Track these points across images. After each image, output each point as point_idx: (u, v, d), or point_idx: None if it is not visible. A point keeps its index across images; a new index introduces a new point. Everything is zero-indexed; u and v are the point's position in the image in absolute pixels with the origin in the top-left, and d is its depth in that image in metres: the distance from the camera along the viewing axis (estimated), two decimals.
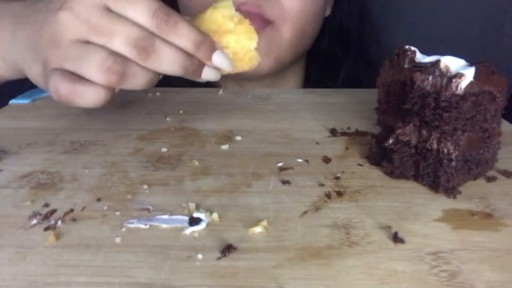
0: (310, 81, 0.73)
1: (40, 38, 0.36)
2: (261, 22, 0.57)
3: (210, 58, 0.38)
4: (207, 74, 0.39)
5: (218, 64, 0.39)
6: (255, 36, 0.47)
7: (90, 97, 0.35)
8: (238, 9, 0.50)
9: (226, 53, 0.41)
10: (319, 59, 0.73)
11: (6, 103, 0.52)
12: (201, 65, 0.38)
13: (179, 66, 0.36)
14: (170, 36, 0.36)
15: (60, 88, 0.35)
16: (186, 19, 0.37)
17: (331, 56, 0.73)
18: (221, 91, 0.56)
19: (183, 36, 0.36)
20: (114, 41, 0.34)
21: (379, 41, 0.72)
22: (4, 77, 0.43)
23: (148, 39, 0.35)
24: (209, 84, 0.65)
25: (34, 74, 0.38)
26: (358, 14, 0.71)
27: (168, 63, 0.36)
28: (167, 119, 0.47)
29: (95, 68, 0.34)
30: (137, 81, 0.36)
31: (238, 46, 0.46)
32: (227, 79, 0.62)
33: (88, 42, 0.35)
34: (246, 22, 0.49)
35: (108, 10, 0.35)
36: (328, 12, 0.69)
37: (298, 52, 0.64)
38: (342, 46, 0.72)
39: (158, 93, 0.55)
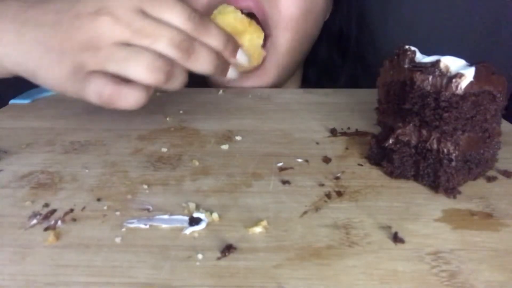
0: (309, 85, 0.72)
1: (69, 40, 0.37)
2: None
3: (235, 56, 0.42)
4: (231, 73, 0.43)
5: (240, 60, 0.42)
6: (262, 35, 0.53)
7: (132, 98, 0.36)
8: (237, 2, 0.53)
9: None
10: (317, 64, 0.73)
11: (6, 103, 0.52)
12: (227, 63, 0.41)
13: (212, 65, 0.39)
14: (203, 37, 0.38)
15: (105, 89, 0.35)
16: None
17: (329, 62, 0.72)
18: (221, 91, 0.56)
19: (214, 36, 0.39)
20: (159, 43, 0.36)
21: (377, 47, 0.72)
22: None
23: (188, 40, 0.37)
24: (208, 85, 0.66)
25: (55, 75, 0.38)
26: (357, 19, 0.70)
27: (204, 62, 0.38)
28: (167, 119, 0.47)
29: (144, 68, 0.35)
30: (178, 81, 0.38)
31: (250, 45, 0.51)
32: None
33: (129, 45, 0.36)
34: (254, 22, 0.52)
35: (145, 13, 0.36)
36: (327, 16, 0.68)
37: (297, 61, 0.63)
38: (340, 52, 0.72)
39: (158, 93, 0.55)
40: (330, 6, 0.68)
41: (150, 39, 0.36)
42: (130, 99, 0.36)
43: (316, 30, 0.63)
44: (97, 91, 0.36)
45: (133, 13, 0.36)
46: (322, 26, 0.68)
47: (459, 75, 0.32)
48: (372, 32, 0.72)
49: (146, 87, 0.37)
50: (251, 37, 0.51)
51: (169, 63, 0.36)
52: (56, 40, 0.37)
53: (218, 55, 0.39)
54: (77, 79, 0.37)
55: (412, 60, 0.35)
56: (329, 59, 0.72)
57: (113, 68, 0.36)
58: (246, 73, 0.58)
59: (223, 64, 0.41)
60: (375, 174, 0.36)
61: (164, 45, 0.36)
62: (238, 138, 0.42)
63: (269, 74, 0.59)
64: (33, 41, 0.38)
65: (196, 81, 0.61)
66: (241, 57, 0.42)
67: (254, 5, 0.55)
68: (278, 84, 0.62)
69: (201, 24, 0.38)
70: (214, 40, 0.39)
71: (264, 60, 0.57)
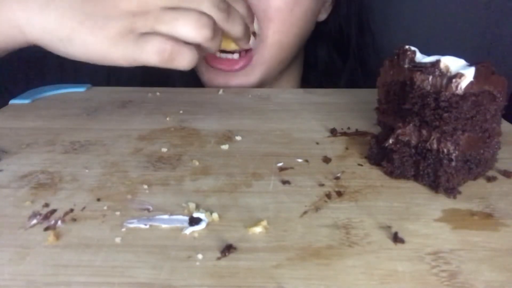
0: (309, 87, 0.72)
1: (115, 7, 0.39)
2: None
3: (253, 23, 0.47)
4: (252, 41, 0.48)
5: (255, 28, 0.49)
6: None
7: (189, 57, 0.39)
8: None
9: None
10: (318, 66, 0.72)
11: (6, 103, 0.52)
12: (249, 30, 0.45)
13: (243, 28, 0.43)
14: (233, 3, 0.43)
15: (166, 47, 0.38)
16: None
17: (329, 64, 0.72)
18: (221, 91, 0.56)
19: (240, 4, 0.44)
20: (204, 4, 0.40)
21: (378, 48, 0.71)
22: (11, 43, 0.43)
23: (225, 3, 0.41)
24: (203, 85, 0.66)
25: (98, 39, 0.39)
26: (357, 20, 0.70)
27: (238, 24, 0.42)
28: (167, 119, 0.47)
29: (193, 25, 0.38)
30: (217, 40, 0.41)
31: None
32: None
33: (175, 8, 0.39)
34: None
35: None
36: (323, 17, 0.67)
37: (285, 58, 0.62)
38: (341, 54, 0.72)
39: (158, 93, 0.55)
40: (329, 6, 0.67)
41: (196, 2, 0.39)
42: (188, 57, 0.39)
43: (304, 25, 0.62)
44: (159, 50, 0.38)
45: None
46: (322, 27, 0.67)
47: (459, 75, 0.32)
48: (372, 33, 0.72)
49: (197, 46, 0.40)
50: None
51: (212, 20, 0.40)
52: (96, 6, 0.39)
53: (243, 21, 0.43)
54: (128, 41, 0.39)
55: (412, 60, 0.35)
56: (330, 61, 0.72)
57: (164, 28, 0.38)
58: (233, 72, 0.59)
59: (248, 28, 0.44)
60: (375, 174, 0.36)
61: (208, 6, 0.40)
62: (238, 138, 0.42)
63: (256, 70, 0.59)
64: (67, 7, 0.39)
65: (196, 81, 0.61)
66: (255, 25, 0.49)
67: None
68: (266, 82, 0.62)
69: None
70: (241, 7, 0.44)
71: (251, 56, 0.58)
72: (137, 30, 0.39)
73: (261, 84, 0.61)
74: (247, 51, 0.58)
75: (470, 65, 0.33)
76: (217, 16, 0.40)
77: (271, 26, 0.57)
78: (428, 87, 0.33)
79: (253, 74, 0.59)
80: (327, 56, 0.72)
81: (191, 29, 0.38)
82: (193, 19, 0.38)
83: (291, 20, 0.58)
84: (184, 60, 0.39)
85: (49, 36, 0.40)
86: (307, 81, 0.73)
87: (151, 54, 0.38)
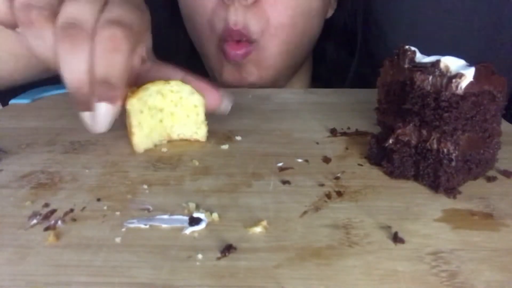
0: (319, 82, 0.72)
1: None
2: (247, 45, 0.57)
3: (102, 99, 0.28)
4: (102, 121, 0.29)
5: (99, 114, 0.28)
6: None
7: None
8: (229, 29, 0.54)
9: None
10: (326, 62, 0.72)
11: (6, 103, 0.52)
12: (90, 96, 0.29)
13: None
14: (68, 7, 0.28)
15: None
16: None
17: (337, 59, 0.72)
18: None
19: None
20: None
21: (385, 42, 0.71)
22: None
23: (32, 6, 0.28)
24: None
25: None
26: (362, 14, 0.70)
27: (48, 47, 0.28)
28: None
29: None
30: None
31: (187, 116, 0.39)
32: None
33: None
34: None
35: None
36: (330, 13, 0.67)
37: (289, 64, 0.63)
38: (348, 48, 0.71)
39: None
40: (334, 3, 0.67)
41: None
42: None
43: (311, 30, 0.62)
44: None
45: None
46: (328, 23, 0.67)
47: (459, 75, 0.32)
48: (380, 27, 0.71)
49: None
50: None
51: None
52: None
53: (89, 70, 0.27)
54: None
55: (412, 60, 0.35)
56: (338, 56, 0.72)
57: None
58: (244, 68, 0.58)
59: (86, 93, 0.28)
60: (375, 174, 0.36)
61: None
62: (238, 138, 0.42)
63: (252, 80, 0.60)
64: None
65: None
66: (103, 110, 0.27)
67: (242, 30, 0.55)
68: (278, 82, 0.63)
69: None
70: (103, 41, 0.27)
71: (249, 60, 0.58)
72: None
73: (274, 84, 0.62)
74: (251, 43, 0.58)
75: (470, 65, 0.33)
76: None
77: (273, 40, 0.57)
78: (428, 87, 0.33)
79: (264, 76, 0.60)
80: (334, 52, 0.71)
81: None
82: None
83: (295, 31, 0.58)
84: None
85: None
86: (317, 78, 0.73)
87: None
